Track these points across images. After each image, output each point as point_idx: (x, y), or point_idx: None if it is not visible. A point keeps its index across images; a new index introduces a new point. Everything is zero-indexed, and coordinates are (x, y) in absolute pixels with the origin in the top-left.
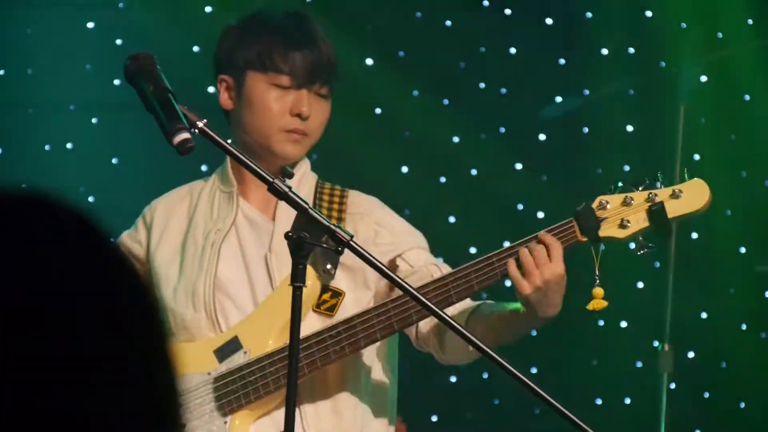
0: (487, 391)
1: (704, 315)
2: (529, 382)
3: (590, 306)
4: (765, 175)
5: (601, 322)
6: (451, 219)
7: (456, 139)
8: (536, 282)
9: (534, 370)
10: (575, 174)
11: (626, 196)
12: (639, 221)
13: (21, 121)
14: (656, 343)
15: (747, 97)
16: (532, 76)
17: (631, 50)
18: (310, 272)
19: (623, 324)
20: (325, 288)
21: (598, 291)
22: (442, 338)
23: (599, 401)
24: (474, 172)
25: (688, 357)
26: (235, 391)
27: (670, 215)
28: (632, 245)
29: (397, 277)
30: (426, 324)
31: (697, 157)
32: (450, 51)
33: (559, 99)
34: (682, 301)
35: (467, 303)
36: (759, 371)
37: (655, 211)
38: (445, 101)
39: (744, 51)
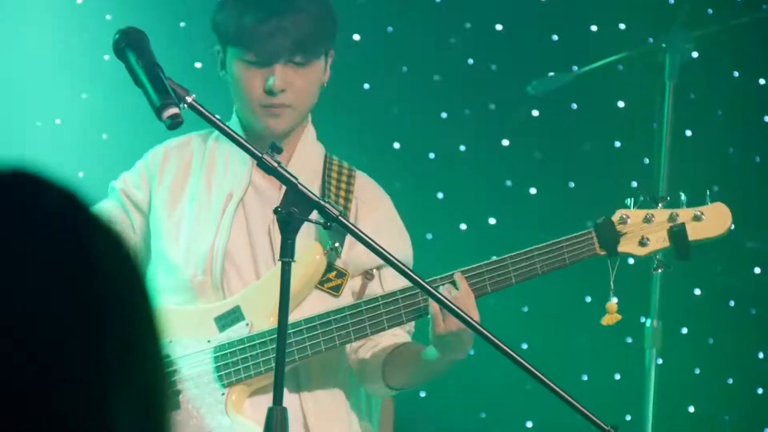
0: (474, 366)
1: (697, 291)
2: (519, 358)
3: (605, 321)
4: (754, 152)
5: (588, 299)
6: (440, 195)
7: (444, 115)
8: (451, 327)
9: (525, 346)
10: (566, 151)
11: (648, 213)
12: (659, 240)
13: (9, 97)
14: (643, 319)
15: (736, 74)
16: (521, 52)
17: (622, 26)
18: (317, 248)
19: (614, 300)
20: (330, 266)
21: (612, 305)
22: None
23: (585, 377)
24: (462, 148)
25: (681, 333)
26: (234, 364)
27: (690, 238)
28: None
29: (389, 255)
30: (364, 348)
31: (688, 133)
32: (439, 26)
33: (550, 74)
34: (671, 277)
35: (394, 339)
36: (746, 347)
37: (676, 232)
38: (436, 77)
39: (733, 27)
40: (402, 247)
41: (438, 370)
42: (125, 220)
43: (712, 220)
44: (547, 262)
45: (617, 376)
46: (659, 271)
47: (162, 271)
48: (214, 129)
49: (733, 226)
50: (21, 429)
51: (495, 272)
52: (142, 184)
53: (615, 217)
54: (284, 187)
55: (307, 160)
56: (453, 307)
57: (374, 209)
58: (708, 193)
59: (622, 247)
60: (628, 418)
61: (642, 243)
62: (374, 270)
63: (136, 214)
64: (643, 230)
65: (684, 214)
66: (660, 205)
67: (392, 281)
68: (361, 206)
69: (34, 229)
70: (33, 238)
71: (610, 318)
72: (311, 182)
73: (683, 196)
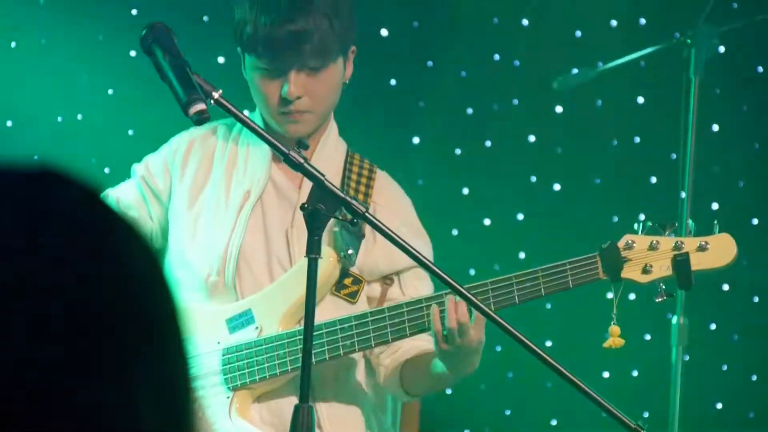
0: (500, 363)
1: (726, 287)
2: (545, 355)
3: (607, 344)
4: None
5: (610, 295)
6: (465, 191)
7: (470, 111)
8: (455, 343)
9: (549, 344)
10: (590, 146)
11: (653, 240)
12: (662, 268)
13: (33, 92)
14: (669, 315)
15: (760, 69)
16: (546, 48)
17: (646, 21)
18: (332, 254)
19: (631, 296)
20: (345, 272)
21: (615, 329)
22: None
23: (606, 374)
24: (488, 143)
25: (707, 329)
26: (241, 368)
27: (693, 267)
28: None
29: (418, 253)
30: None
31: (714, 128)
32: (465, 24)
33: (575, 71)
34: (698, 274)
35: (413, 343)
36: None
37: (680, 261)
38: (463, 73)
39: (759, 22)
40: (422, 249)
41: (449, 383)
42: (143, 207)
43: (716, 251)
44: (551, 284)
45: (635, 373)
46: (663, 299)
47: (178, 265)
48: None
49: (735, 260)
50: (50, 424)
51: (499, 290)
52: (164, 172)
53: (621, 243)
54: (304, 187)
55: (328, 157)
56: (481, 306)
57: (392, 214)
58: (716, 223)
59: (626, 273)
60: (646, 414)
61: (645, 270)
62: (393, 275)
63: (155, 202)
64: (647, 257)
65: (689, 243)
66: (667, 232)
67: (413, 285)
68: (378, 210)
69: (60, 227)
70: (58, 235)
71: (613, 342)
72: (331, 179)
73: (691, 224)
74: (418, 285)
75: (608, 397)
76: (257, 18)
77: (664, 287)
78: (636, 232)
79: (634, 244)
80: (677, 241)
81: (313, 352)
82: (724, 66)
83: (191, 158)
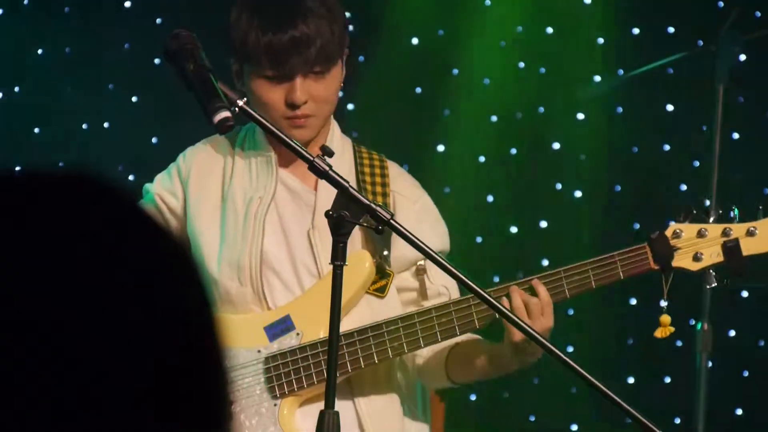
0: (525, 370)
1: (745, 294)
2: (570, 361)
3: (658, 333)
4: None
5: (633, 301)
6: (490, 198)
7: (494, 118)
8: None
9: (570, 349)
10: (613, 154)
11: (701, 228)
12: (713, 255)
13: (59, 100)
14: (693, 322)
15: None
16: (570, 56)
17: (671, 30)
18: (367, 257)
19: (662, 303)
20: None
21: (666, 318)
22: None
23: (631, 380)
24: (513, 151)
25: (729, 336)
26: (287, 375)
27: (744, 253)
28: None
29: (442, 258)
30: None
31: (736, 136)
32: (489, 32)
33: (597, 78)
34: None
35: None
36: None
37: (731, 248)
38: (487, 81)
39: None
40: (442, 236)
41: (509, 370)
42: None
43: (765, 235)
44: (602, 275)
45: (667, 379)
46: (713, 285)
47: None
48: (240, 130)
49: None
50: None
51: (549, 285)
52: (176, 190)
53: (668, 231)
54: (321, 188)
55: (337, 156)
56: (503, 310)
57: (413, 201)
58: (761, 208)
59: (677, 262)
60: (678, 421)
61: (696, 258)
62: (423, 262)
63: (172, 218)
64: (696, 245)
65: (738, 229)
66: (711, 219)
67: (439, 275)
68: (398, 199)
69: (97, 233)
70: (96, 242)
71: (663, 330)
72: (345, 177)
73: (736, 211)
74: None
75: (635, 403)
76: (259, 27)
77: (714, 274)
78: (681, 221)
79: (682, 233)
80: (725, 228)
81: (360, 356)
82: (747, 74)
83: (200, 172)
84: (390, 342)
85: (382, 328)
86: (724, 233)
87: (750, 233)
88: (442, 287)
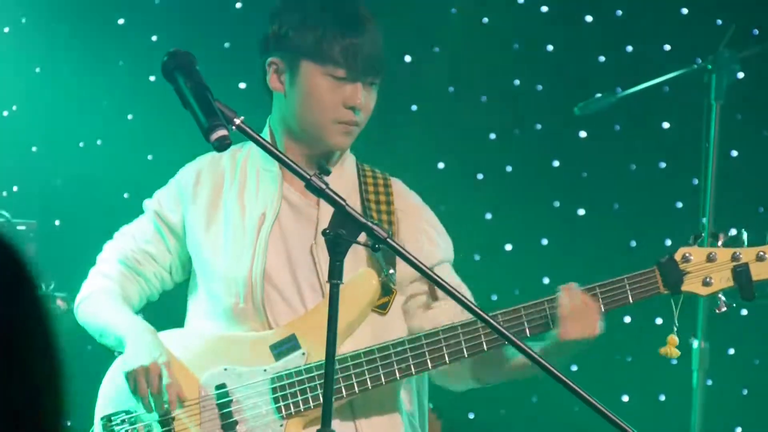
0: (523, 388)
1: (744, 312)
2: (568, 381)
3: (663, 351)
4: None
5: (627, 319)
6: (488, 216)
7: (492, 136)
8: (575, 334)
9: (574, 368)
10: (611, 171)
11: (711, 252)
12: (722, 280)
13: (56, 118)
14: (691, 340)
15: None
16: (568, 73)
17: (667, 47)
18: (372, 275)
19: (658, 321)
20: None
21: (674, 339)
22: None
23: (626, 398)
24: (510, 168)
25: (727, 354)
26: (293, 395)
27: (754, 278)
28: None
29: (439, 277)
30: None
31: (734, 153)
32: (486, 48)
33: (598, 95)
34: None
35: None
36: None
37: (740, 272)
38: (484, 98)
39: None
40: (447, 247)
41: (532, 373)
42: (160, 242)
43: None
44: (611, 300)
45: (662, 397)
46: (723, 310)
47: (203, 297)
48: (243, 144)
49: None
50: None
51: (556, 309)
52: (175, 206)
53: (678, 256)
54: (323, 204)
55: (345, 174)
56: (504, 331)
57: (416, 217)
58: None
59: (686, 287)
60: None
61: (705, 283)
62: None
63: (171, 236)
64: (706, 269)
65: (747, 254)
66: (720, 242)
67: (444, 274)
68: (402, 217)
69: None
70: None
71: (668, 350)
72: (349, 195)
73: (745, 235)
74: (448, 273)
75: (631, 421)
76: (338, 26)
77: (723, 299)
78: (690, 245)
79: (691, 257)
80: (735, 252)
81: (367, 377)
82: (745, 91)
83: (201, 189)
84: (398, 363)
85: (389, 350)
86: (734, 258)
87: (760, 258)
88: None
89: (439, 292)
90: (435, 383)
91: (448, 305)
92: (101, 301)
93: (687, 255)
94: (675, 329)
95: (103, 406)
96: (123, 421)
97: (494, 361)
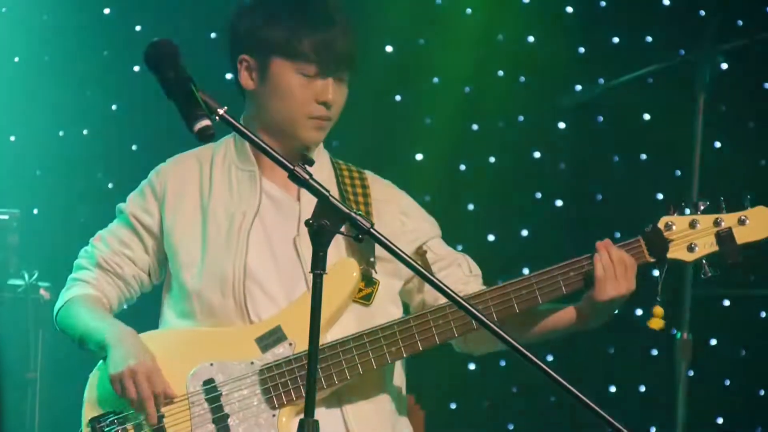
0: (505, 379)
1: (726, 303)
2: (549, 370)
3: (650, 323)
4: None
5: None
6: (470, 206)
7: (475, 127)
8: (612, 292)
9: (550, 358)
10: (593, 162)
11: (693, 219)
12: (707, 245)
13: (36, 108)
14: (674, 331)
15: (766, 85)
16: (550, 65)
17: (649, 39)
18: (354, 264)
19: (638, 312)
20: (366, 279)
21: (659, 310)
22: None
23: (613, 389)
24: (493, 159)
25: (709, 345)
26: (284, 385)
27: (738, 241)
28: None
29: (420, 266)
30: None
31: (717, 144)
32: (470, 41)
33: (578, 87)
34: (702, 290)
35: None
36: None
37: (724, 237)
38: (467, 89)
39: (763, 39)
40: (432, 223)
41: (566, 332)
42: (138, 244)
43: (756, 223)
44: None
45: (642, 388)
46: (708, 275)
47: (182, 296)
48: (216, 143)
49: None
50: None
51: (543, 283)
52: (150, 208)
53: (661, 224)
54: (303, 197)
55: (321, 169)
56: (482, 318)
57: (395, 203)
58: (748, 197)
59: (671, 254)
60: (653, 430)
61: (690, 249)
62: (423, 247)
63: (148, 237)
64: (689, 236)
65: (729, 219)
66: (700, 210)
67: (438, 247)
68: (379, 206)
69: None
70: None
71: (656, 322)
72: (328, 187)
73: (723, 202)
74: (442, 245)
75: (613, 412)
76: (305, 23)
77: (707, 264)
78: (670, 214)
79: (674, 225)
80: (716, 218)
81: (358, 362)
82: (729, 83)
83: (176, 189)
84: (387, 347)
85: (377, 334)
86: (716, 223)
87: (741, 222)
88: (456, 254)
89: (441, 264)
90: (458, 351)
91: (448, 272)
92: (79, 307)
93: (669, 223)
94: (658, 300)
95: (90, 410)
96: (112, 422)
97: (525, 323)
